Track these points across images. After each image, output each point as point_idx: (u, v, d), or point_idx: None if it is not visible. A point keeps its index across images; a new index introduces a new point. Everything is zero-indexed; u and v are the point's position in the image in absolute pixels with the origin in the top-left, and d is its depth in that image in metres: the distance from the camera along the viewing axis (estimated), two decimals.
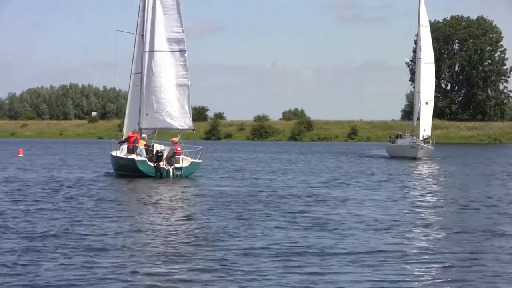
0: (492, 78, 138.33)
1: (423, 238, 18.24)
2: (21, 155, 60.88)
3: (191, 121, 38.97)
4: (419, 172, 45.64)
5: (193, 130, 39.56)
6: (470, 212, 23.71)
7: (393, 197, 28.16)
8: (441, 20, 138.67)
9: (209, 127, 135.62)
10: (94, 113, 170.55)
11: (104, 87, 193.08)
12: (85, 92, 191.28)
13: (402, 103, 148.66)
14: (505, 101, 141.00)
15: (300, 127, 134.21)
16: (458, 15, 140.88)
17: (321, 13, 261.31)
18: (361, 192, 30.15)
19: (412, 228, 19.79)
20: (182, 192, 29.95)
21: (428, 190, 32.49)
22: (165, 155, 36.34)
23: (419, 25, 65.37)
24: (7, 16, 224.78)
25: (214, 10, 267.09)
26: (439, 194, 30.47)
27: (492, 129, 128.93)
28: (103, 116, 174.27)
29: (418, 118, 64.27)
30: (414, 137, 63.57)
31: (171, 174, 36.02)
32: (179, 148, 36.57)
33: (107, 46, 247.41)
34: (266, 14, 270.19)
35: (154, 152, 36.46)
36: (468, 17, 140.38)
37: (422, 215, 22.96)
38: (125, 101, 41.97)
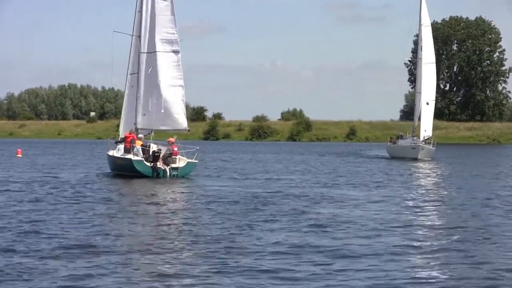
0: (491, 78, 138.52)
1: (428, 238, 18.14)
2: (20, 155, 60.72)
3: (186, 121, 39.30)
4: (423, 173, 45.52)
5: (188, 130, 39.85)
6: (474, 212, 23.60)
7: (397, 198, 28.05)
8: (439, 21, 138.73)
9: (207, 127, 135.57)
10: (92, 113, 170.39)
11: (102, 87, 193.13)
12: (83, 92, 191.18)
13: (401, 104, 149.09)
14: (503, 102, 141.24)
15: (298, 127, 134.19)
16: (457, 16, 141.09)
17: (321, 13, 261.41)
18: (364, 193, 30.02)
19: (417, 229, 19.68)
20: (180, 192, 29.89)
21: (433, 191, 32.38)
22: (161, 155, 36.53)
23: (420, 25, 65.08)
24: (7, 16, 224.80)
25: (214, 10, 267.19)
26: (444, 195, 30.34)
27: (491, 129, 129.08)
28: (102, 116, 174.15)
29: (419, 119, 64.00)
30: (415, 137, 63.33)
31: (167, 174, 36.17)
32: (175, 149, 36.82)
33: (107, 47, 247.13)
34: (266, 14, 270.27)
35: (151, 152, 36.62)
36: (467, 17, 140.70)
37: (427, 216, 22.88)
38: (123, 102, 42.47)
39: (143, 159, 36.26)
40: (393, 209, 24.20)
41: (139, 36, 39.10)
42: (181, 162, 36.88)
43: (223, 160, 57.57)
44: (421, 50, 64.50)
